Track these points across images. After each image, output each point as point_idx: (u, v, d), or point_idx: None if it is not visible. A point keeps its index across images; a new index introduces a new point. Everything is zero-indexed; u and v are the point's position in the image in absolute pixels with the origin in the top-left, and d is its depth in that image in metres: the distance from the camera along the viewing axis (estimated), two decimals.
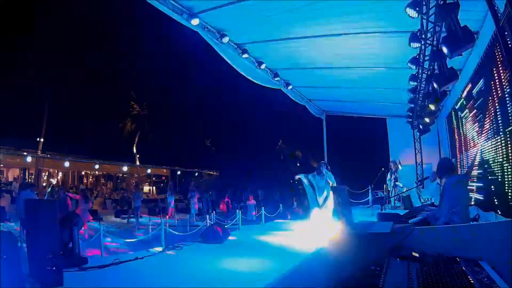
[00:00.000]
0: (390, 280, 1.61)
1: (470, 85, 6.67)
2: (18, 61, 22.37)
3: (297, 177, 8.35)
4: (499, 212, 4.99)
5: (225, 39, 6.95)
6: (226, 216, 14.20)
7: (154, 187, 31.75)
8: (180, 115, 33.13)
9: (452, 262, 1.89)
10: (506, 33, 3.68)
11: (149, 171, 29.81)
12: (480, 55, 5.57)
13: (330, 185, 7.93)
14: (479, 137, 6.21)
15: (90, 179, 27.33)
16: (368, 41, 6.83)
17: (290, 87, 10.38)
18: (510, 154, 4.56)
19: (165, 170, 31.62)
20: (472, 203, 6.21)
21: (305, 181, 8.19)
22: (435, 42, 5.16)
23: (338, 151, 21.75)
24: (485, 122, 5.70)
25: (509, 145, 4.57)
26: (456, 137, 8.84)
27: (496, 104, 4.97)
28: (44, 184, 22.74)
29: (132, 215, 15.16)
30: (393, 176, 11.01)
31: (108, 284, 4.22)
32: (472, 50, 5.54)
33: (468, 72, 6.61)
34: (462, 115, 7.70)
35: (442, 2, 3.99)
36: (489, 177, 5.67)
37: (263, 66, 8.50)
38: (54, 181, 23.72)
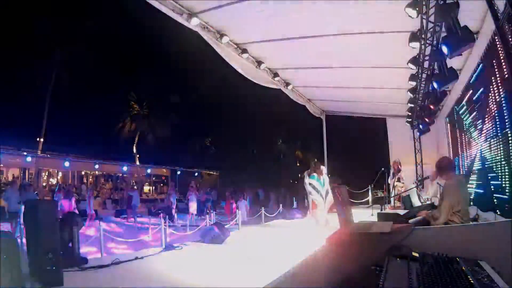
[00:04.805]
0: (390, 280, 1.61)
1: (469, 85, 6.67)
2: (18, 60, 22.37)
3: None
4: (499, 212, 5.00)
5: (225, 39, 6.95)
6: (227, 216, 14.20)
7: (153, 187, 31.75)
8: (180, 115, 33.12)
9: (452, 262, 1.89)
10: (506, 33, 3.68)
11: (149, 171, 29.81)
12: (480, 55, 5.57)
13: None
14: (479, 137, 6.21)
15: (90, 179, 27.32)
16: (368, 41, 6.83)
17: (290, 87, 10.38)
18: (510, 154, 4.56)
19: (165, 170, 31.60)
20: (472, 203, 6.21)
21: (307, 180, 8.19)
22: (435, 42, 5.16)
23: (338, 151, 21.77)
24: (485, 122, 5.70)
25: (509, 145, 4.57)
26: (456, 137, 8.84)
27: (496, 104, 4.97)
28: (44, 184, 22.75)
29: (131, 215, 15.16)
30: (395, 177, 10.99)
31: (108, 284, 4.22)
32: (472, 50, 5.54)
33: (468, 72, 6.61)
34: (462, 115, 7.70)
35: (442, 2, 3.99)
36: (489, 177, 5.67)
37: (263, 66, 8.50)
38: (54, 181, 23.74)
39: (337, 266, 1.81)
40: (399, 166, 11.11)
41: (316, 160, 8.85)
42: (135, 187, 25.17)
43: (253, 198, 19.45)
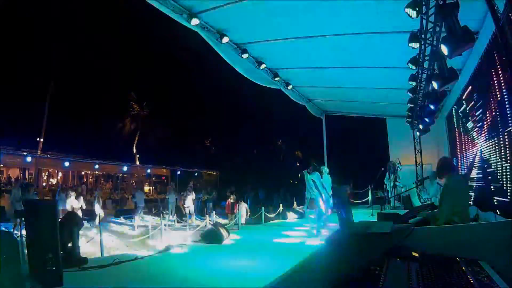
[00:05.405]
0: (390, 280, 1.61)
1: (469, 85, 6.67)
2: (18, 60, 22.39)
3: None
4: (499, 212, 4.99)
5: (225, 39, 6.95)
6: (227, 216, 14.18)
7: (153, 187, 31.76)
8: (180, 115, 33.15)
9: (452, 262, 1.89)
10: (506, 33, 3.68)
11: (149, 171, 29.81)
12: (480, 55, 5.57)
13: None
14: (479, 137, 6.21)
15: (90, 179, 27.33)
16: (368, 41, 6.83)
17: (290, 87, 10.38)
18: (510, 154, 4.56)
19: (165, 170, 31.61)
20: (472, 203, 6.21)
21: (309, 177, 8.17)
22: (435, 42, 5.16)
23: (338, 151, 21.79)
24: (485, 122, 5.70)
25: (509, 145, 4.57)
26: (456, 137, 8.84)
27: (496, 104, 4.97)
28: (44, 184, 22.76)
29: (135, 215, 15.16)
30: (392, 177, 11.01)
31: (108, 284, 4.22)
32: (472, 50, 5.53)
33: (468, 72, 6.61)
34: (462, 115, 7.70)
35: (442, 2, 3.99)
36: (489, 177, 5.67)
37: (263, 66, 8.50)
38: (54, 181, 23.74)
39: (337, 266, 1.81)
40: (395, 166, 11.12)
41: (316, 162, 8.84)
42: (134, 187, 25.17)
43: (253, 198, 19.42)
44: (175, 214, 15.39)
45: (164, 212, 16.02)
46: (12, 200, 9.75)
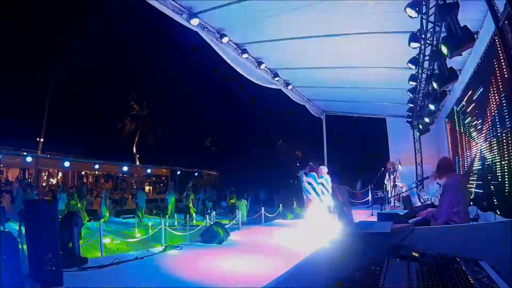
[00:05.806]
0: (390, 280, 1.61)
1: (469, 85, 6.67)
2: (18, 60, 22.38)
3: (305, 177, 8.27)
4: (499, 212, 4.99)
5: (225, 39, 6.94)
6: (227, 216, 14.20)
7: (153, 187, 31.78)
8: (180, 115, 33.16)
9: (452, 262, 1.89)
10: (506, 33, 3.68)
11: (149, 171, 29.81)
12: (480, 55, 5.57)
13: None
14: (479, 137, 6.21)
15: (90, 179, 27.32)
16: (368, 41, 6.82)
17: (290, 87, 10.38)
18: (509, 154, 4.56)
19: (165, 170, 31.63)
20: (472, 203, 6.20)
21: (305, 179, 8.14)
22: (435, 42, 5.16)
23: (338, 151, 21.77)
24: (485, 122, 5.70)
25: (508, 145, 4.57)
26: (456, 137, 8.84)
27: (496, 104, 4.97)
28: (44, 184, 22.76)
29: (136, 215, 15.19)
30: (391, 177, 11.00)
31: (108, 284, 4.22)
32: (472, 50, 5.54)
33: (468, 72, 6.61)
34: (462, 115, 7.70)
35: (442, 2, 3.99)
36: (489, 177, 5.67)
37: (263, 66, 8.49)
38: (54, 181, 23.74)
39: (337, 266, 1.81)
40: (395, 166, 11.11)
41: (313, 162, 8.81)
42: (134, 187, 25.17)
43: (253, 198, 19.43)
44: (175, 214, 15.41)
45: (164, 212, 16.04)
46: (16, 199, 9.77)
